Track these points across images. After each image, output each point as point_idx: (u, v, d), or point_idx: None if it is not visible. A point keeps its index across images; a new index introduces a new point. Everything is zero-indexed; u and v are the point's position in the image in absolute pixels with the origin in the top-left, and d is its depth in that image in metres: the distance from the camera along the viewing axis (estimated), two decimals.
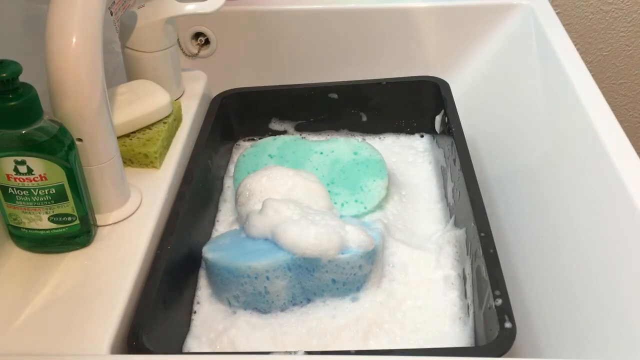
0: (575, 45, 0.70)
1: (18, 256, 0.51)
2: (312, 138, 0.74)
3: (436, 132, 0.71)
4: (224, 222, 0.65)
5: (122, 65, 0.67)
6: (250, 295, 0.53)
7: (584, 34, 1.10)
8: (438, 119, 0.70)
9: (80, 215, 0.50)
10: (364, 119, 0.74)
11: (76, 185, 0.49)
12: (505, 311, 0.46)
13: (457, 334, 0.51)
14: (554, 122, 0.65)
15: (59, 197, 0.49)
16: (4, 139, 0.45)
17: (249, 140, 0.75)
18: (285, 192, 0.58)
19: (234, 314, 0.54)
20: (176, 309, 0.53)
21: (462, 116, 0.66)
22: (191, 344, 0.52)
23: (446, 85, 0.71)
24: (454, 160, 0.61)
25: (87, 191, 0.51)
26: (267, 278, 0.52)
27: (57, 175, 0.47)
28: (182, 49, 0.86)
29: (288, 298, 0.53)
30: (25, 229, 0.50)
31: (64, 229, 0.50)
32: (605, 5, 1.07)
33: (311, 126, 0.74)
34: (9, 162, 0.46)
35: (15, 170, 0.47)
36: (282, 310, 0.54)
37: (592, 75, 0.64)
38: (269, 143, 0.69)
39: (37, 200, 0.48)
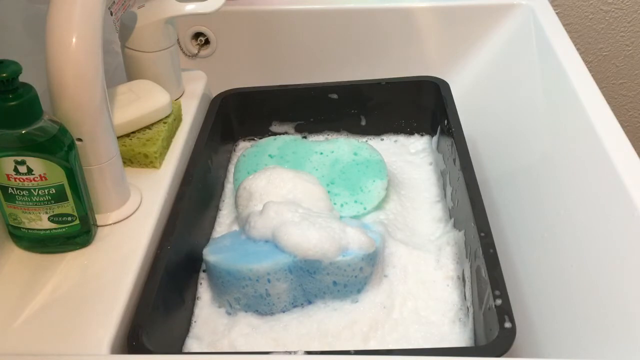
0: (575, 45, 0.70)
1: (18, 256, 0.51)
2: (312, 138, 0.74)
3: (436, 133, 0.71)
4: (224, 222, 0.65)
5: (122, 65, 0.67)
6: (252, 298, 0.53)
7: (584, 34, 1.10)
8: (435, 139, 0.71)
9: (80, 215, 0.50)
10: (364, 119, 0.74)
11: (76, 185, 0.49)
12: (505, 311, 0.46)
13: (457, 334, 0.51)
14: (553, 122, 0.65)
15: (59, 197, 0.48)
16: (4, 139, 0.45)
17: (249, 140, 0.75)
18: (285, 194, 0.58)
19: (234, 316, 0.54)
20: (176, 310, 0.53)
21: (462, 116, 0.66)
22: (191, 344, 0.52)
23: (446, 85, 0.71)
24: (454, 161, 0.61)
25: (87, 191, 0.51)
26: (269, 280, 0.52)
27: (57, 175, 0.47)
28: (182, 49, 0.86)
29: (289, 300, 0.53)
30: (25, 229, 0.50)
31: (64, 229, 0.50)
32: (605, 5, 1.07)
33: (311, 126, 0.74)
34: (9, 162, 0.46)
35: (15, 170, 0.46)
36: (283, 312, 0.54)
37: (592, 75, 0.64)
38: (269, 143, 0.69)
39: (37, 200, 0.48)
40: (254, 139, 0.75)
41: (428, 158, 0.71)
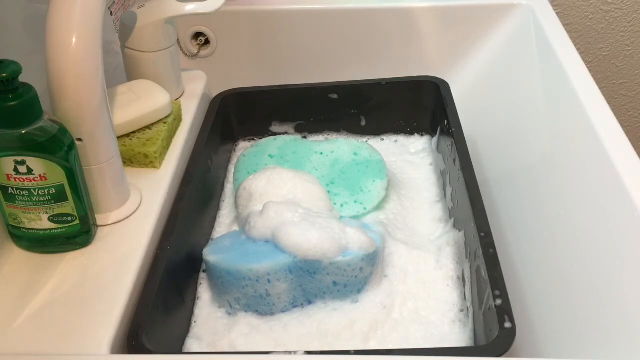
0: (575, 45, 0.70)
1: (18, 256, 0.51)
2: (312, 138, 0.74)
3: (436, 133, 0.71)
4: (224, 222, 0.64)
5: (122, 65, 0.67)
6: (252, 298, 0.53)
7: (584, 34, 1.10)
8: (435, 139, 0.71)
9: (80, 215, 0.50)
10: (364, 119, 0.74)
11: (76, 185, 0.49)
12: (505, 311, 0.46)
13: (457, 334, 0.51)
14: (553, 122, 0.65)
15: (59, 197, 0.48)
16: (4, 139, 0.45)
17: (249, 140, 0.75)
18: (285, 194, 0.58)
19: (234, 316, 0.54)
20: (176, 310, 0.53)
21: (462, 116, 0.66)
22: (191, 344, 0.52)
23: (446, 85, 0.71)
24: (454, 161, 0.61)
25: (87, 191, 0.51)
26: (269, 281, 0.52)
27: (57, 175, 0.47)
28: (182, 49, 0.86)
29: (289, 300, 0.53)
30: (25, 229, 0.50)
31: (64, 229, 0.50)
32: (605, 5, 1.07)
33: (311, 126, 0.74)
34: (9, 162, 0.46)
35: (15, 170, 0.46)
36: (283, 312, 0.54)
37: (592, 75, 0.64)
38: (269, 143, 0.69)
39: (37, 200, 0.48)
40: (254, 139, 0.75)
41: (428, 158, 0.71)
